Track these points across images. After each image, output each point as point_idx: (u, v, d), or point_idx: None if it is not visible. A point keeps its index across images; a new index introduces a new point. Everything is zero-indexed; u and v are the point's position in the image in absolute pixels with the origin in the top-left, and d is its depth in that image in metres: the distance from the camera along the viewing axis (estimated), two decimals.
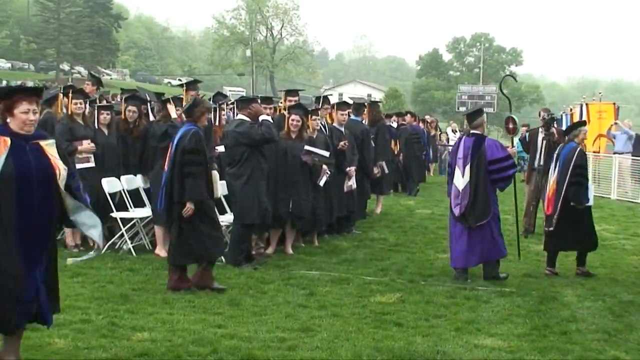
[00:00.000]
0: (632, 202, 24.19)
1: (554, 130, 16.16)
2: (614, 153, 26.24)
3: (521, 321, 9.56)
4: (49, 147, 7.02)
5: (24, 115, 6.85)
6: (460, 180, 11.88)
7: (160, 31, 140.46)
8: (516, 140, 31.15)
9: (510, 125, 13.76)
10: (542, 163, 15.99)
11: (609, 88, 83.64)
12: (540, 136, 16.43)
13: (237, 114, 13.01)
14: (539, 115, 17.73)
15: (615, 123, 26.58)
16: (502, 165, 11.97)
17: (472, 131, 12.21)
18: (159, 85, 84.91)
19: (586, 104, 27.93)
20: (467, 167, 11.84)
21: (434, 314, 9.75)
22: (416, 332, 8.87)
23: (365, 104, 18.07)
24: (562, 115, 26.42)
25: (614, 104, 29.96)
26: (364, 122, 16.64)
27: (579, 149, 12.31)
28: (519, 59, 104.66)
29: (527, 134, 17.85)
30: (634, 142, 26.80)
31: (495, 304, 10.33)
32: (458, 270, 11.80)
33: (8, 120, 6.88)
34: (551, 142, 15.78)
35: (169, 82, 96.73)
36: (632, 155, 25.47)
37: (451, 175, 12.26)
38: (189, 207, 10.12)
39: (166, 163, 10.61)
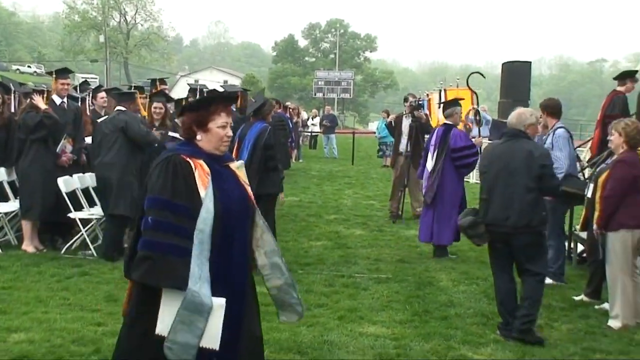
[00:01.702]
0: None
1: (422, 114, 16.51)
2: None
3: (401, 307, 9.64)
4: (240, 170, 5.45)
5: (222, 131, 5.22)
6: (430, 164, 13.15)
7: (7, 16, 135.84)
8: (381, 125, 31.67)
9: (477, 117, 15.88)
10: (408, 149, 16.26)
11: (459, 73, 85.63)
12: (406, 121, 16.67)
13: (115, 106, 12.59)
14: (405, 100, 17.92)
15: (474, 108, 27.03)
16: (464, 154, 12.87)
17: (444, 121, 13.41)
18: (8, 72, 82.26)
19: (444, 90, 28.32)
20: (435, 153, 13.03)
21: (316, 303, 9.71)
22: (300, 323, 8.73)
23: (239, 92, 17.82)
24: (419, 101, 26.73)
25: (470, 89, 30.41)
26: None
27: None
28: (373, 45, 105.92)
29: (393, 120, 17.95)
30: (490, 127, 27.47)
31: (374, 291, 10.39)
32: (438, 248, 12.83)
33: (198, 137, 5.24)
34: (417, 127, 16.10)
35: (18, 69, 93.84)
36: (489, 140, 26.02)
37: (424, 159, 13.56)
38: (282, 197, 10.47)
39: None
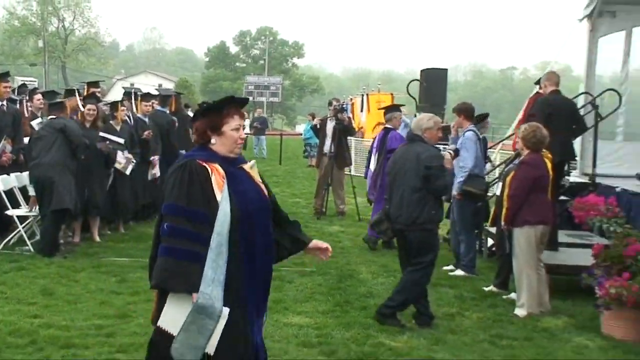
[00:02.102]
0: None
1: (345, 117, 16.69)
2: None
3: (324, 298, 9.65)
4: (253, 170, 5.19)
5: (236, 134, 4.99)
6: (373, 165, 13.60)
7: None
8: (307, 127, 31.73)
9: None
10: (332, 150, 16.35)
11: (381, 78, 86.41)
12: (330, 124, 16.74)
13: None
14: (329, 104, 18.04)
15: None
16: None
17: (385, 125, 13.73)
18: None
19: (367, 95, 28.58)
20: (377, 155, 13.45)
21: None
22: None
23: (173, 95, 17.68)
24: (343, 105, 26.95)
25: (392, 94, 30.78)
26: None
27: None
28: (300, 52, 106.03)
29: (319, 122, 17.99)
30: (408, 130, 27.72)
31: (298, 284, 10.38)
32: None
33: (213, 141, 4.98)
34: (340, 129, 16.25)
35: None
36: None
37: (368, 161, 14.20)
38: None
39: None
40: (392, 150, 12.40)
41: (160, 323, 4.77)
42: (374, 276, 10.97)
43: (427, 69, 28.79)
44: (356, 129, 25.20)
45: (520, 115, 14.15)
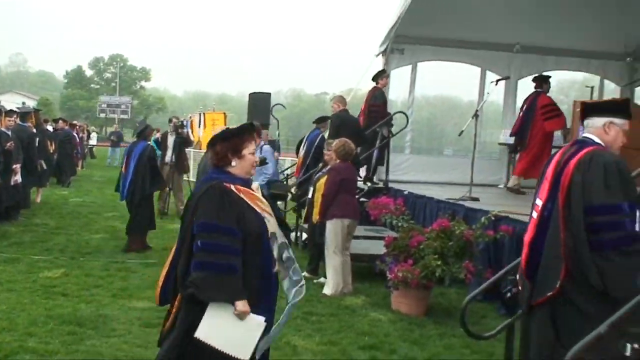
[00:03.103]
0: None
1: (184, 132, 16.78)
2: None
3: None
4: (258, 191, 4.89)
5: (253, 157, 4.78)
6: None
7: None
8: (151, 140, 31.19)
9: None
10: (173, 159, 16.38)
11: (216, 100, 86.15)
12: (171, 138, 16.77)
13: None
14: (170, 121, 18.14)
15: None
16: None
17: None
18: None
19: (203, 113, 28.38)
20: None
21: (94, 284, 9.45)
22: (80, 300, 8.56)
23: (31, 111, 17.05)
24: (183, 122, 26.70)
25: (224, 113, 30.69)
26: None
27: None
28: (147, 76, 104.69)
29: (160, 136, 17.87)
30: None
31: (142, 274, 10.23)
32: None
33: (233, 163, 4.70)
34: (180, 142, 16.36)
35: None
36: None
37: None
38: None
39: None
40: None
41: (198, 334, 4.42)
42: None
43: (254, 92, 28.90)
44: (194, 142, 25.14)
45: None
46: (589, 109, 5.01)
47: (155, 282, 9.51)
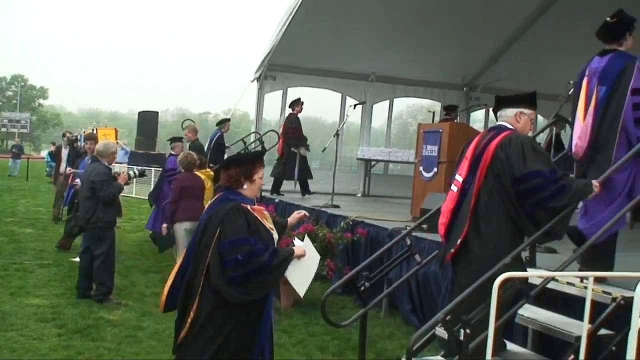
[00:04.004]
0: None
1: (79, 145, 16.16)
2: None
3: (58, 284, 9.18)
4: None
5: (261, 181, 4.79)
6: None
7: None
8: (48, 153, 29.95)
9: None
10: (66, 170, 15.75)
11: (108, 117, 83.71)
12: (65, 151, 16.18)
13: None
14: (64, 135, 17.54)
15: (118, 142, 26.62)
16: None
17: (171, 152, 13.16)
18: None
19: (96, 129, 27.59)
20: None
21: None
22: None
23: None
24: (77, 136, 25.83)
25: (116, 129, 30.00)
26: None
27: None
28: (45, 94, 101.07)
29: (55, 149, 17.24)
30: (129, 155, 27.28)
31: (38, 273, 9.79)
32: None
33: (245, 186, 4.68)
34: (74, 154, 15.71)
35: None
36: (128, 165, 25.63)
37: None
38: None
39: None
40: (170, 170, 12.33)
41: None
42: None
43: (143, 111, 28.45)
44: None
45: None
46: (501, 102, 5.25)
47: (49, 280, 9.26)
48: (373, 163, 15.82)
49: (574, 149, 5.75)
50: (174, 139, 13.75)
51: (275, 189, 13.67)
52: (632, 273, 4.68)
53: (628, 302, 4.64)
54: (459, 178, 5.17)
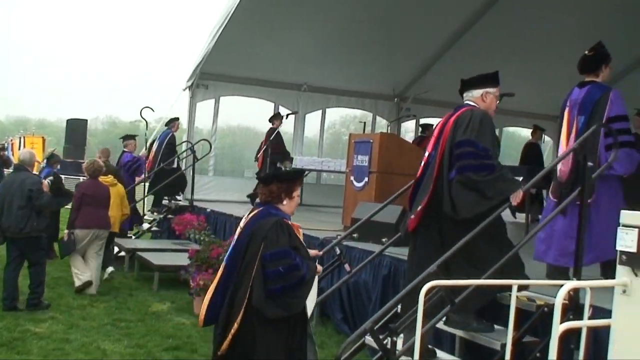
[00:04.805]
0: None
1: (4, 154, 15.90)
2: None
3: None
4: None
5: (298, 199, 4.96)
6: None
7: None
8: None
9: None
10: None
11: (36, 125, 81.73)
12: None
13: None
14: None
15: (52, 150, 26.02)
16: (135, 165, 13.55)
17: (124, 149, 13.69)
18: None
19: (24, 137, 26.95)
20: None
21: None
22: None
23: None
24: (4, 144, 25.13)
25: (43, 137, 29.30)
26: None
27: None
28: None
29: None
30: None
31: None
32: None
33: (284, 202, 4.82)
34: (1, 164, 15.50)
35: None
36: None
37: None
38: None
39: None
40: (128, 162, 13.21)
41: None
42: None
43: (72, 119, 27.75)
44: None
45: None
46: (467, 84, 5.51)
47: None
48: (306, 172, 15.84)
49: (558, 173, 6.09)
50: (127, 137, 13.72)
51: (252, 198, 13.76)
52: (555, 281, 4.79)
53: (552, 309, 4.76)
54: (426, 154, 5.48)
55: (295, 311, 4.58)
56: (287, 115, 12.72)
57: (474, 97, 5.44)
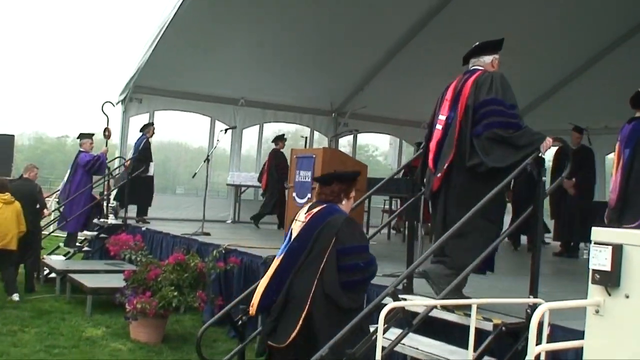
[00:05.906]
0: None
1: None
2: None
3: None
4: None
5: (352, 200, 5.13)
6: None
7: None
8: None
9: None
10: None
11: None
12: None
13: None
14: None
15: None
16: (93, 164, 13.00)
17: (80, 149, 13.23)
18: None
19: None
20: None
21: None
22: None
23: None
24: None
25: None
26: None
27: None
28: None
29: None
30: None
31: None
32: None
33: (343, 202, 4.99)
34: None
35: None
36: None
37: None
38: None
39: None
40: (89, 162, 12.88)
41: None
42: None
43: None
44: None
45: None
46: (480, 50, 5.70)
47: None
48: (243, 189, 15.55)
49: (609, 201, 6.97)
50: (83, 135, 13.14)
51: (256, 219, 14.03)
52: (515, 300, 4.69)
53: (510, 329, 4.65)
54: (442, 117, 5.56)
55: (357, 305, 4.68)
56: (225, 130, 12.43)
57: (485, 62, 5.64)
